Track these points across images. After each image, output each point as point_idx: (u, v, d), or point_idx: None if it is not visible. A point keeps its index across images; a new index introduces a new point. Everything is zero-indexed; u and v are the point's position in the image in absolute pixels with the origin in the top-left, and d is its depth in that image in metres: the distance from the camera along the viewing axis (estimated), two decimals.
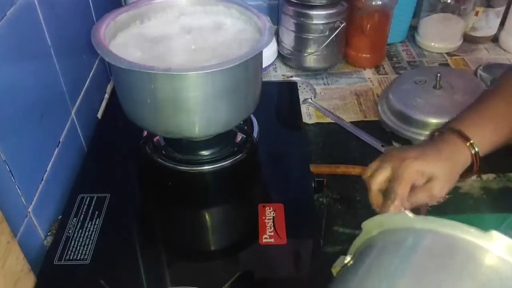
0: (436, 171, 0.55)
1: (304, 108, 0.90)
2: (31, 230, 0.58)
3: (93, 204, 0.64)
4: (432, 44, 1.10)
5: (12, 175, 0.54)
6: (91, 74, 0.81)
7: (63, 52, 0.68)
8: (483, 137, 0.57)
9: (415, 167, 0.54)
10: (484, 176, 0.78)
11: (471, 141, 0.56)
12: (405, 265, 0.35)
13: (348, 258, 0.41)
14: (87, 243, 0.59)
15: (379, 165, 0.57)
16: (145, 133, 0.72)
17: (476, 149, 0.56)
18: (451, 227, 0.35)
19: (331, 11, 0.95)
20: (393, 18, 1.01)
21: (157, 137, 0.72)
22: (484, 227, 0.34)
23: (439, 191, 0.55)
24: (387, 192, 0.56)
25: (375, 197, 0.57)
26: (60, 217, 0.64)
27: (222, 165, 0.69)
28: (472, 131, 0.56)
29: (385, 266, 0.36)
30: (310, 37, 0.98)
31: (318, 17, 0.95)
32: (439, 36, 1.09)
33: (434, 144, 0.58)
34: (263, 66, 0.72)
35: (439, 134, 0.59)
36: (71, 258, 0.58)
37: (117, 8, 0.68)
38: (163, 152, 0.71)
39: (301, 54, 1.00)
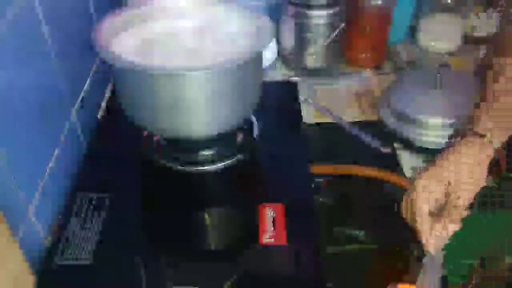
0: None
1: (304, 108, 0.90)
2: (31, 230, 0.58)
3: (93, 204, 0.65)
4: (432, 44, 1.09)
5: (12, 175, 0.54)
6: (91, 74, 0.81)
7: (63, 52, 0.68)
8: None
9: None
10: None
11: None
12: None
13: None
14: (87, 243, 0.60)
15: None
16: (145, 133, 0.72)
17: None
18: None
19: (331, 11, 0.95)
20: (393, 18, 1.01)
21: (157, 137, 0.72)
22: (484, 227, 0.34)
23: None
24: None
25: None
26: (60, 217, 0.64)
27: (222, 165, 0.69)
28: None
29: None
30: (310, 37, 0.98)
31: (318, 17, 0.95)
32: (439, 36, 1.08)
33: None
34: (263, 66, 0.72)
35: None
36: (71, 258, 0.58)
37: (118, 9, 0.68)
38: (163, 152, 0.71)
39: (301, 54, 1.00)
